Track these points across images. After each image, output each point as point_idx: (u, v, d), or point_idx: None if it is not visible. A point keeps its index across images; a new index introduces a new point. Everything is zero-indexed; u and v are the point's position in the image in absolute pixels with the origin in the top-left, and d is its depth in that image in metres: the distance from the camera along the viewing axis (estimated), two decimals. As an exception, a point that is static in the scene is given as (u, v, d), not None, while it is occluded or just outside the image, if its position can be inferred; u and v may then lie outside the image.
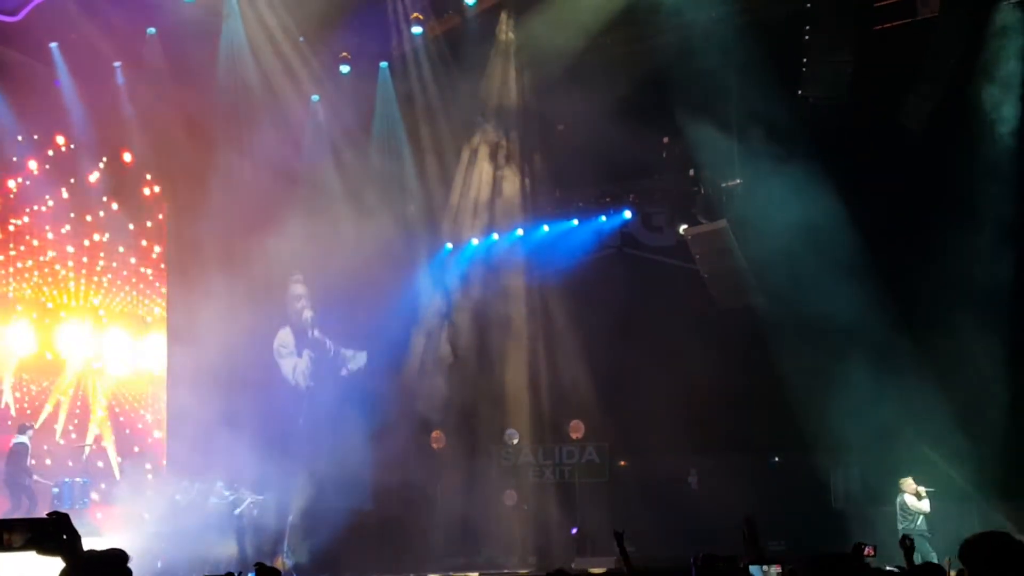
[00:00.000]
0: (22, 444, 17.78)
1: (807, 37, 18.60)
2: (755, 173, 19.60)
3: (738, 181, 19.93)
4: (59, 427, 19.41)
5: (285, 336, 22.11)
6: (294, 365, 22.30)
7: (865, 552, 8.07)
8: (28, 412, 18.79)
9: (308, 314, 22.39)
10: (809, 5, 18.50)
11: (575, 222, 22.21)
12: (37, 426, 18.47)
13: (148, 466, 20.41)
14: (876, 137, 18.52)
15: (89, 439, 19.61)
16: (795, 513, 18.90)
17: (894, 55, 18.01)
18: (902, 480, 16.67)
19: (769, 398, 19.27)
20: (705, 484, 20.81)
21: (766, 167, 19.29)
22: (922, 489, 16.62)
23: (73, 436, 19.54)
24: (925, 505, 16.53)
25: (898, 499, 16.57)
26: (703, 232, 20.19)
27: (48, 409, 19.23)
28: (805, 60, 18.71)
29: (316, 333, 22.50)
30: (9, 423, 18.38)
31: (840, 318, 18.69)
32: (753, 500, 18.47)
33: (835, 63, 18.44)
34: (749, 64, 18.76)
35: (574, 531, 20.45)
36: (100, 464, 19.77)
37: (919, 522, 16.39)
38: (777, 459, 20.46)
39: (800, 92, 18.84)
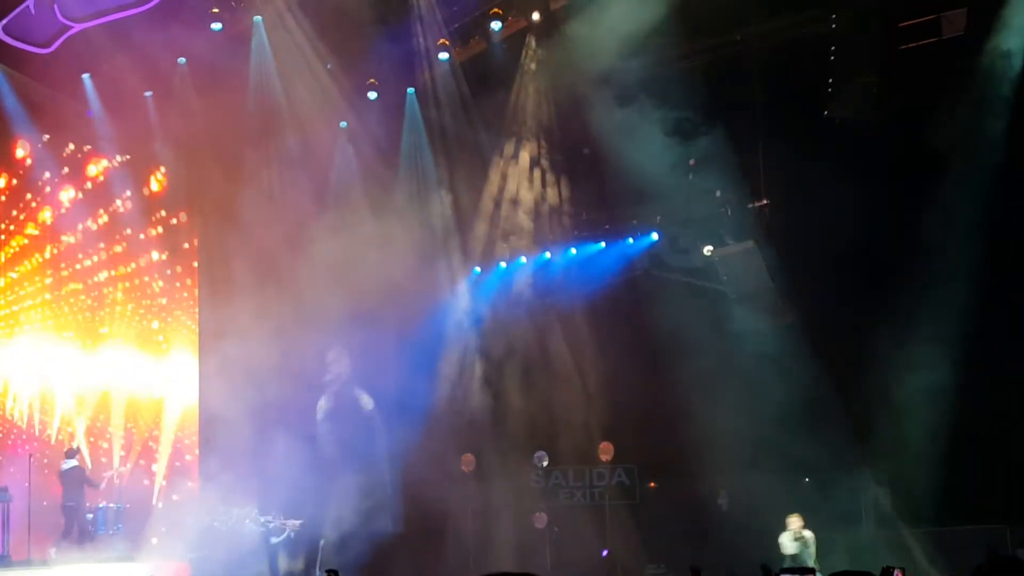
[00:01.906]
0: (76, 468, 18.00)
1: (832, 57, 18.63)
2: (782, 193, 19.62)
3: (765, 201, 19.93)
4: (93, 453, 19.63)
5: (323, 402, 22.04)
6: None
7: (895, 575, 8.09)
8: (60, 439, 19.05)
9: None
10: (834, 26, 18.54)
11: (602, 245, 22.23)
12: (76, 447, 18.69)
13: (182, 492, 20.52)
14: (903, 157, 18.45)
15: (118, 463, 19.77)
16: (826, 534, 18.79)
17: (920, 74, 18.00)
18: (789, 517, 17.57)
19: (800, 418, 19.21)
20: (736, 505, 20.71)
21: (793, 187, 19.33)
22: (806, 533, 17.47)
23: (103, 460, 19.73)
24: (790, 547, 17.43)
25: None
26: (731, 253, 20.18)
27: (83, 435, 19.45)
28: (831, 80, 18.75)
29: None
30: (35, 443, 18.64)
31: (872, 335, 18.67)
32: (783, 520, 18.48)
33: (861, 83, 18.47)
34: (775, 84, 18.83)
35: (605, 553, 20.42)
36: (134, 490, 19.92)
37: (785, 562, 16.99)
38: (808, 479, 20.35)
39: (826, 112, 18.85)
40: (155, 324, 20.93)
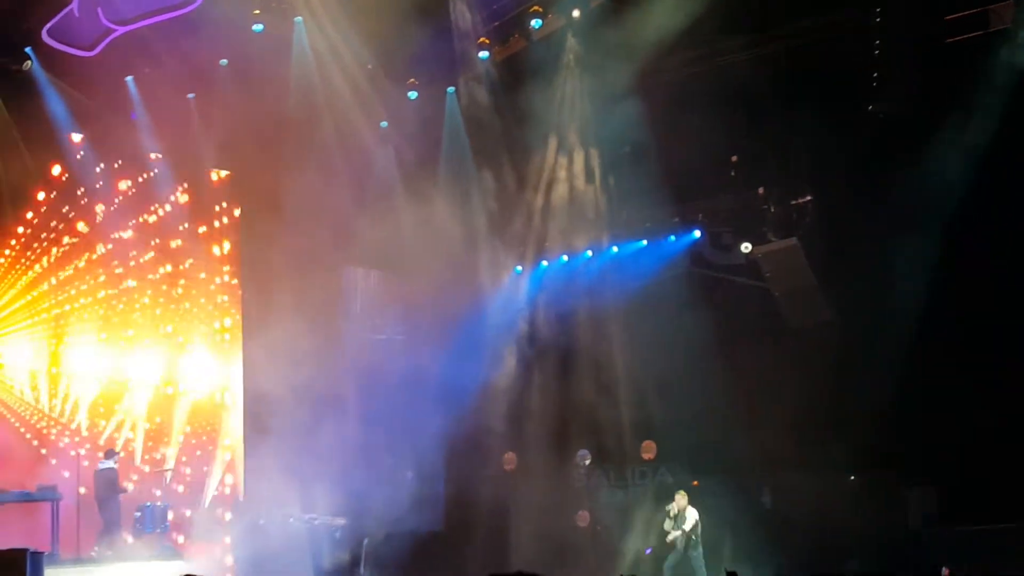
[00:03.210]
0: (111, 469, 18.17)
1: (877, 51, 18.47)
2: (825, 190, 19.50)
3: (808, 198, 19.81)
4: (139, 451, 19.81)
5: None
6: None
7: (943, 573, 8.03)
8: (113, 438, 19.26)
9: None
10: (879, 19, 18.37)
11: (644, 243, 22.17)
12: (119, 452, 18.85)
13: (227, 490, 20.67)
14: (949, 152, 18.25)
15: (170, 463, 19.95)
16: (871, 532, 18.67)
17: (967, 68, 17.81)
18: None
19: (843, 415, 19.10)
20: (779, 503, 20.61)
21: (836, 183, 19.20)
22: (688, 513, 18.33)
23: (156, 457, 19.93)
24: (667, 525, 18.47)
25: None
26: (773, 250, 20.08)
27: (128, 434, 19.64)
28: (875, 74, 18.59)
29: None
30: (86, 447, 18.85)
31: (917, 333, 18.53)
32: (828, 518, 18.37)
33: (905, 77, 18.31)
34: (819, 79, 18.70)
35: (648, 551, 20.36)
36: (180, 488, 20.08)
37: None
38: (852, 477, 20.21)
39: (871, 107, 18.70)
40: (196, 323, 21.08)
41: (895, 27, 18.27)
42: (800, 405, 19.08)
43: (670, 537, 18.77)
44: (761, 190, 20.48)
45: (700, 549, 18.69)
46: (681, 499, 18.80)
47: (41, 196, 18.95)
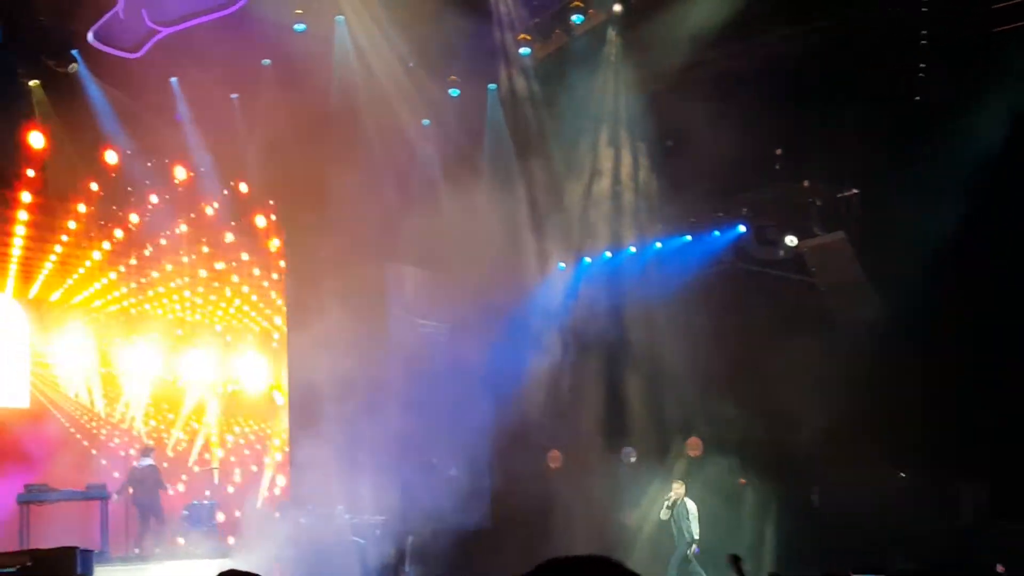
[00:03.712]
0: (150, 467, 18.30)
1: (924, 41, 18.25)
2: (872, 183, 19.29)
3: (855, 191, 19.61)
4: (189, 451, 19.97)
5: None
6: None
7: (999, 570, 7.89)
8: (161, 438, 19.42)
9: None
10: (925, 9, 18.15)
11: (688, 238, 22.03)
12: (169, 452, 19.00)
13: (274, 489, 20.79)
14: (999, 145, 17.99)
15: (216, 462, 20.08)
16: (922, 530, 18.44)
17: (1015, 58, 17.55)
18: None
19: (893, 412, 18.87)
20: (828, 501, 20.41)
21: (884, 176, 18.99)
22: (687, 503, 18.22)
23: (207, 457, 20.06)
24: (663, 514, 18.30)
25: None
26: (820, 245, 19.89)
27: (177, 434, 19.79)
28: (922, 65, 18.36)
29: None
30: (136, 447, 19.01)
31: (968, 328, 18.30)
32: (878, 516, 18.17)
33: (953, 68, 18.07)
34: (865, 70, 18.50)
35: (696, 551, 20.22)
36: (228, 487, 20.21)
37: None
38: (903, 475, 19.99)
39: (918, 98, 18.47)
40: (245, 324, 21.22)
41: (942, 17, 18.05)
42: (849, 401, 18.88)
43: (665, 516, 18.58)
44: (806, 183, 20.27)
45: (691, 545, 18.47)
46: (679, 488, 18.54)
47: (89, 196, 19.12)
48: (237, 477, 20.59)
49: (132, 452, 19.14)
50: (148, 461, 18.40)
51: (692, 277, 21.36)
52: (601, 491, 21.55)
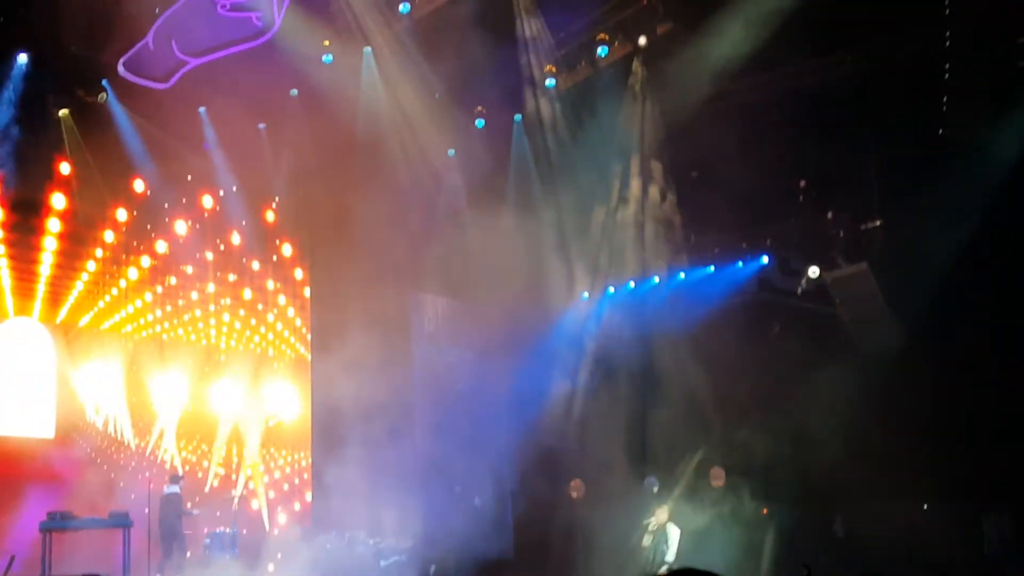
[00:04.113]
0: (175, 494, 18.35)
1: (947, 75, 18.27)
2: (896, 214, 19.29)
3: (878, 222, 19.61)
4: (210, 478, 20.01)
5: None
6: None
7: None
8: (186, 467, 19.49)
9: None
10: (949, 43, 18.18)
11: (711, 268, 22.03)
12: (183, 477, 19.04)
13: (296, 516, 20.81)
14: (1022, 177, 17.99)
15: (238, 489, 20.12)
16: (946, 560, 18.32)
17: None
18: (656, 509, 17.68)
19: (916, 441, 18.80)
20: (852, 532, 20.31)
21: (907, 208, 18.98)
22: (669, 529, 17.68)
23: (233, 481, 20.11)
24: (645, 539, 17.69)
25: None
26: (843, 276, 19.87)
27: (204, 461, 19.86)
28: (945, 98, 18.38)
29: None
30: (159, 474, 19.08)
31: (992, 358, 18.24)
32: (902, 547, 18.06)
33: (976, 101, 18.08)
34: (887, 103, 18.53)
35: (718, 580, 20.13)
36: (248, 514, 20.25)
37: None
38: (926, 505, 19.88)
39: (941, 131, 18.48)
40: (269, 352, 21.31)
41: (966, 50, 18.07)
42: (872, 430, 18.82)
43: (647, 542, 18.34)
44: (830, 215, 20.28)
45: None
46: (662, 513, 18.37)
47: (116, 224, 19.26)
48: (260, 503, 20.61)
49: (152, 478, 19.17)
50: (173, 488, 18.45)
51: (715, 307, 21.35)
52: (624, 521, 21.46)
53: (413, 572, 19.32)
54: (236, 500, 19.94)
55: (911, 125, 18.51)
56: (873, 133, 18.68)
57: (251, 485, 20.65)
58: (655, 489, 21.46)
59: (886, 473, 18.86)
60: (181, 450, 19.82)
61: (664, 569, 17.20)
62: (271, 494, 20.88)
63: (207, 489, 19.82)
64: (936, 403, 18.66)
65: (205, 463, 20.04)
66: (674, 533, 17.98)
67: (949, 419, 18.52)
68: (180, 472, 19.11)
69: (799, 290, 20.95)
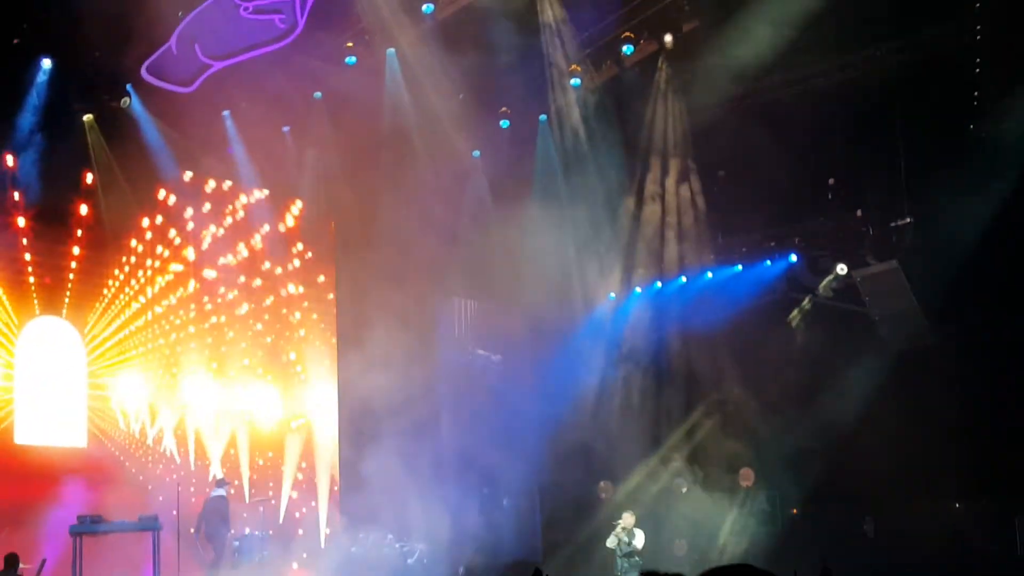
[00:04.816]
0: (221, 498, 18.38)
1: (978, 70, 18.08)
2: (926, 212, 19.11)
3: (908, 220, 19.44)
4: (244, 481, 20.06)
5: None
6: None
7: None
8: (214, 469, 19.52)
9: None
10: (979, 37, 17.99)
11: (739, 268, 21.89)
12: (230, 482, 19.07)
13: (324, 518, 20.81)
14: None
15: (266, 492, 20.14)
16: (977, 561, 18.17)
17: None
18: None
19: (948, 442, 18.65)
20: (882, 532, 20.17)
21: (938, 205, 18.80)
22: (636, 532, 17.43)
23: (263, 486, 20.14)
24: (610, 541, 17.51)
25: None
26: (873, 274, 19.72)
27: (227, 464, 19.88)
28: (976, 93, 18.20)
29: None
30: (191, 479, 19.11)
31: (1022, 356, 18.08)
32: (933, 547, 17.92)
33: (1006, 97, 17.89)
34: (918, 99, 18.37)
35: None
36: (276, 515, 20.26)
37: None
38: (957, 505, 19.73)
39: (971, 127, 18.30)
40: (292, 355, 21.31)
41: (996, 46, 17.88)
42: (903, 431, 18.69)
43: (612, 544, 18.15)
44: (859, 212, 20.12)
45: (637, 573, 18.07)
46: (629, 517, 18.17)
47: (140, 230, 19.29)
48: (285, 506, 20.63)
49: (180, 481, 19.19)
50: (218, 492, 18.48)
51: (744, 306, 21.22)
52: (653, 522, 21.38)
53: (441, 572, 19.28)
54: (264, 502, 19.95)
55: (940, 122, 18.36)
56: (902, 130, 18.54)
57: (278, 487, 20.65)
58: (684, 489, 21.39)
59: (917, 472, 18.75)
60: (207, 452, 19.82)
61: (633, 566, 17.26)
62: (294, 494, 20.88)
63: (233, 491, 19.79)
64: (967, 401, 18.53)
65: (229, 465, 20.03)
66: (640, 536, 17.83)
67: (980, 418, 18.41)
68: (223, 477, 19.13)
69: (820, 288, 20.85)
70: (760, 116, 19.28)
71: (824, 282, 20.69)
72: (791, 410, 20.01)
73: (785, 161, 18.79)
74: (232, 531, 18.39)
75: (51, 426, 18.20)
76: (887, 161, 19.12)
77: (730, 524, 21.10)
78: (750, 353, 20.72)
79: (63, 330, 18.43)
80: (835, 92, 19.03)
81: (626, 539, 17.72)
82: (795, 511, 21.53)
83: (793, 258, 21.39)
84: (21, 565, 15.41)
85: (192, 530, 18.31)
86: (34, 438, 17.90)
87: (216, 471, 19.53)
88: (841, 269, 20.35)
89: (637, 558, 17.57)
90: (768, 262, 21.65)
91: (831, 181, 20.27)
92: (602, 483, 21.68)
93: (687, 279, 22.05)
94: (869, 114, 18.87)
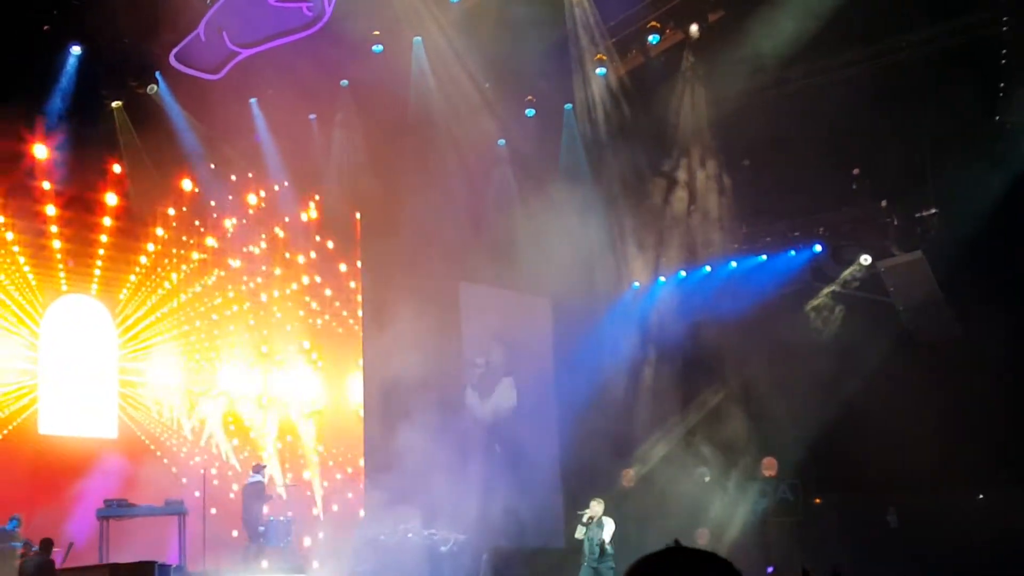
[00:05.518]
0: (258, 483, 18.48)
1: (1004, 60, 18.02)
2: (951, 202, 19.07)
3: (933, 211, 19.39)
4: (277, 471, 20.19)
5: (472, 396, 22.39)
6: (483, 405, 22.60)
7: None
8: (244, 456, 19.63)
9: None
10: (1005, 28, 17.92)
11: (763, 257, 21.87)
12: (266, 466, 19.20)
13: (350, 504, 20.90)
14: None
15: (287, 478, 20.24)
16: (1000, 551, 18.12)
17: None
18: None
19: (971, 433, 18.63)
20: (905, 522, 20.15)
21: (963, 195, 18.76)
22: (605, 520, 16.88)
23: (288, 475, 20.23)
24: (578, 532, 16.98)
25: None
26: (898, 264, 19.69)
27: (260, 453, 19.98)
28: (1002, 84, 18.13)
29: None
30: (230, 473, 19.24)
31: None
32: (956, 538, 17.88)
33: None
34: (943, 89, 18.30)
35: (770, 570, 20.04)
36: (304, 502, 20.35)
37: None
38: (981, 496, 19.69)
39: (997, 117, 18.24)
40: (325, 341, 21.40)
41: (1022, 36, 17.81)
42: (927, 421, 18.66)
43: (580, 535, 18.07)
44: (884, 203, 20.08)
45: (612, 562, 18.02)
46: (597, 506, 18.06)
47: (166, 219, 19.41)
48: (309, 493, 20.71)
49: (204, 466, 19.32)
50: (256, 477, 18.59)
51: (768, 296, 21.21)
52: (676, 511, 21.40)
53: (467, 560, 19.33)
54: (289, 487, 20.05)
55: (966, 112, 18.28)
56: (928, 120, 18.45)
57: (304, 473, 20.75)
58: (707, 478, 21.39)
59: (941, 463, 18.71)
60: (232, 437, 19.93)
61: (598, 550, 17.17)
62: (325, 484, 20.98)
63: (267, 478, 19.90)
64: (992, 392, 18.48)
65: (253, 451, 20.12)
66: (609, 524, 17.77)
67: (1006, 407, 18.33)
68: (262, 462, 19.24)
69: (842, 278, 20.83)
70: (786, 106, 19.26)
71: (847, 271, 20.67)
72: (815, 399, 19.97)
73: (810, 151, 18.76)
74: (267, 515, 18.51)
75: (78, 415, 18.28)
76: (912, 151, 19.07)
77: (752, 514, 21.10)
78: (774, 342, 20.68)
79: (93, 309, 18.51)
80: (860, 82, 18.97)
81: (596, 528, 17.71)
82: (818, 501, 21.52)
83: (818, 248, 21.38)
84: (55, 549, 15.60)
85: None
86: (60, 428, 17.95)
87: (249, 458, 19.64)
88: (865, 259, 20.34)
89: (609, 548, 17.55)
90: (792, 252, 21.64)
91: (856, 171, 20.23)
92: (625, 471, 21.70)
93: (711, 268, 22.06)
94: (894, 104, 18.82)
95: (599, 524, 17.39)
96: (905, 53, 19.04)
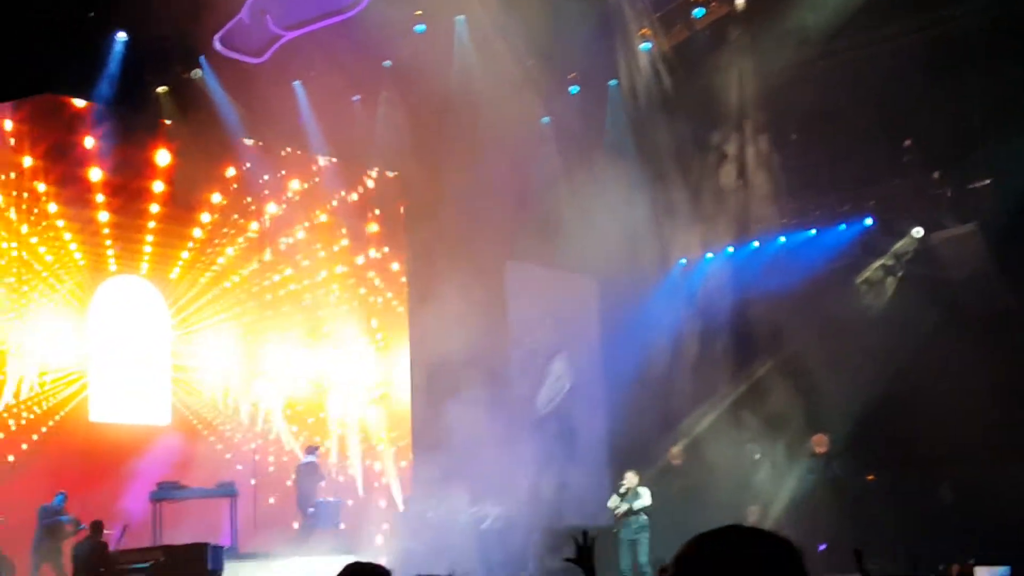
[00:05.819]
0: (312, 463, 18.64)
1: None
2: (1006, 173, 18.73)
3: (987, 182, 19.07)
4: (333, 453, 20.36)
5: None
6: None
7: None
8: (301, 440, 19.79)
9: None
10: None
11: (813, 232, 21.62)
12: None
13: (396, 485, 21.02)
14: None
15: (332, 458, 20.39)
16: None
17: None
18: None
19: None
20: (960, 498, 19.90)
21: (1017, 166, 18.42)
22: (640, 490, 17.48)
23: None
24: (612, 502, 17.54)
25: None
26: (951, 237, 19.41)
27: (312, 436, 20.13)
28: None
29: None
30: (285, 458, 19.39)
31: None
32: (1010, 513, 17.64)
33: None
34: (997, 59, 17.96)
35: (822, 548, 19.89)
36: (351, 484, 20.49)
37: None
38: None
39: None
40: (373, 322, 21.48)
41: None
42: (979, 395, 18.40)
43: (619, 511, 18.04)
44: (937, 175, 19.76)
45: (647, 533, 17.95)
46: (632, 477, 18.05)
47: (216, 199, 19.54)
48: (360, 474, 20.85)
49: (256, 450, 19.53)
50: (310, 458, 18.74)
51: (817, 271, 20.98)
52: (725, 487, 21.30)
53: (515, 539, 19.38)
54: (338, 469, 20.20)
55: (1020, 81, 17.93)
56: (981, 90, 18.10)
57: (354, 453, 20.87)
58: (757, 456, 21.26)
59: (994, 436, 18.46)
60: (286, 420, 20.08)
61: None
62: (369, 461, 21.09)
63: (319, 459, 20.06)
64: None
65: (310, 435, 20.27)
66: (645, 495, 17.77)
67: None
68: (316, 443, 19.39)
69: (893, 251, 20.58)
70: (834, 77, 18.99)
71: (898, 244, 20.42)
72: (866, 374, 19.76)
73: (860, 123, 18.50)
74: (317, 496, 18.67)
75: (130, 401, 18.45)
76: (965, 122, 18.74)
77: (802, 491, 20.96)
78: (824, 317, 20.47)
79: (143, 289, 18.64)
80: (912, 52, 18.61)
81: (632, 499, 17.76)
82: (871, 477, 21.31)
83: (868, 221, 21.10)
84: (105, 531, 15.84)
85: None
86: (111, 415, 18.13)
87: (303, 439, 19.79)
88: (917, 232, 20.06)
89: (644, 517, 17.56)
90: (843, 226, 21.37)
91: (907, 142, 19.91)
92: (672, 448, 21.62)
93: (760, 243, 21.85)
94: (947, 74, 18.44)
95: (635, 495, 17.48)
96: (959, 22, 18.68)
